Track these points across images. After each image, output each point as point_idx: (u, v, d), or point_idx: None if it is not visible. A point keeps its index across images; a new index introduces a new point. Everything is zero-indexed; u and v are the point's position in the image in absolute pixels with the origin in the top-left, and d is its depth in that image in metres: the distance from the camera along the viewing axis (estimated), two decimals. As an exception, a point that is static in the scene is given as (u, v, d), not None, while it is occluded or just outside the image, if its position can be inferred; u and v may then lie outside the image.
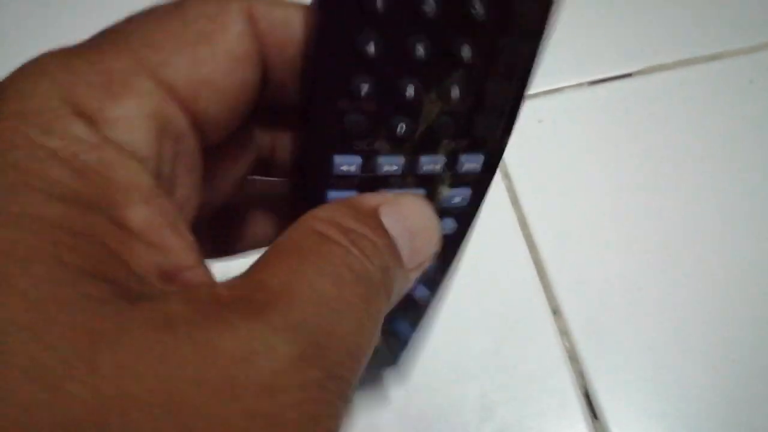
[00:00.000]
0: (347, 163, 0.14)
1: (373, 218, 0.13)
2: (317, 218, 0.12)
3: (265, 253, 0.12)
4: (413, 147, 0.14)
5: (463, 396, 0.26)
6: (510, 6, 0.13)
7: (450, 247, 0.16)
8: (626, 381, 0.27)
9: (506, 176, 0.31)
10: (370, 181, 0.14)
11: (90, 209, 0.10)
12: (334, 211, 0.13)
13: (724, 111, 0.33)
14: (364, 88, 0.13)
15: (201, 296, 0.10)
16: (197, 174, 0.14)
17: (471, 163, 0.15)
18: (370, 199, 0.13)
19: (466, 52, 0.13)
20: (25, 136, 0.10)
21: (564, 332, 0.28)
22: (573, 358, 0.27)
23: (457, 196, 0.16)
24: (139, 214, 0.11)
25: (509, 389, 0.27)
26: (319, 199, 0.14)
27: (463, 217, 0.16)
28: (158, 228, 0.11)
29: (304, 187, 0.14)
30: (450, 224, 0.16)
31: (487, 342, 0.27)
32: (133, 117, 0.12)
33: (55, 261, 0.10)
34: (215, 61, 0.12)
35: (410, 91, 0.13)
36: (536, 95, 0.33)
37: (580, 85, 0.33)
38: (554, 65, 0.34)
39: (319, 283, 0.11)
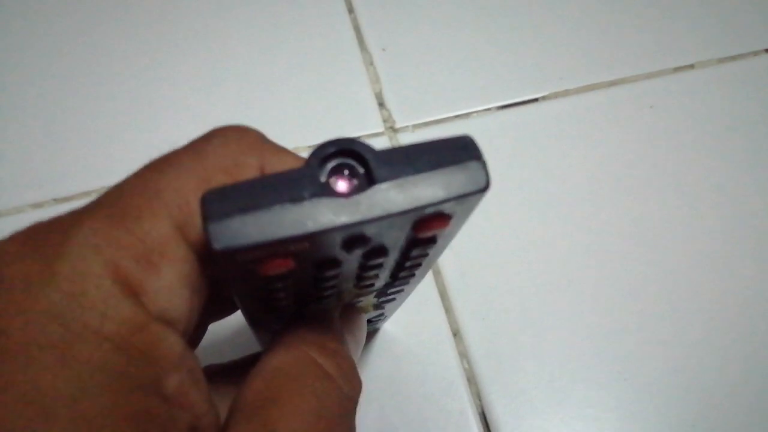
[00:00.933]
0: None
1: (343, 346, 0.16)
2: (308, 343, 0.15)
3: (267, 377, 0.15)
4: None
5: (361, 417, 0.27)
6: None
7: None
8: (522, 402, 0.28)
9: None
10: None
11: (137, 386, 0.12)
12: (319, 337, 0.16)
13: (625, 135, 0.34)
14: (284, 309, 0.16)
15: None
16: (205, 295, 0.15)
17: (392, 295, 0.20)
18: (336, 329, 0.17)
19: (378, 282, 0.17)
20: (83, 324, 0.11)
21: (463, 354, 0.28)
22: (471, 379, 0.28)
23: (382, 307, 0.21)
24: (174, 381, 0.12)
25: (407, 411, 0.27)
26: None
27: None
28: (188, 390, 0.13)
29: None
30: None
31: (387, 364, 0.28)
32: (172, 285, 0.13)
33: None
34: None
35: (326, 304, 0.17)
36: (446, 119, 0.34)
37: (488, 110, 0.34)
38: (463, 91, 0.35)
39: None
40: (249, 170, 0.14)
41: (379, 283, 0.18)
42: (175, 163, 0.14)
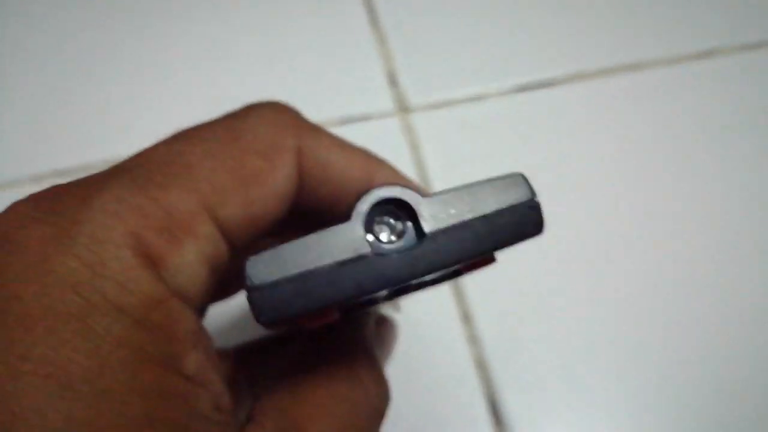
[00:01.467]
0: None
1: (374, 356, 0.16)
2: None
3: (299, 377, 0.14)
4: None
5: (367, 403, 0.26)
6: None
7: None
8: (532, 389, 0.27)
9: (426, 181, 0.31)
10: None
11: (157, 363, 0.11)
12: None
13: (643, 122, 0.33)
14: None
15: None
16: (220, 275, 0.15)
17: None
18: (368, 339, 0.17)
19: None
20: (102, 295, 0.11)
21: (473, 339, 0.28)
22: (480, 365, 0.27)
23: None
24: (193, 359, 0.12)
25: (415, 396, 0.26)
26: None
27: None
28: (206, 369, 0.12)
29: None
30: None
31: (396, 348, 0.27)
32: (193, 263, 0.12)
33: (129, 418, 0.11)
34: (264, 202, 0.13)
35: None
36: (461, 101, 0.33)
37: (504, 93, 0.33)
38: (479, 71, 0.34)
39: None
40: (286, 154, 0.14)
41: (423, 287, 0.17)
42: (209, 138, 0.13)
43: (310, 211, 0.16)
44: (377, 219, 0.12)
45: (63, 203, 0.12)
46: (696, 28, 0.36)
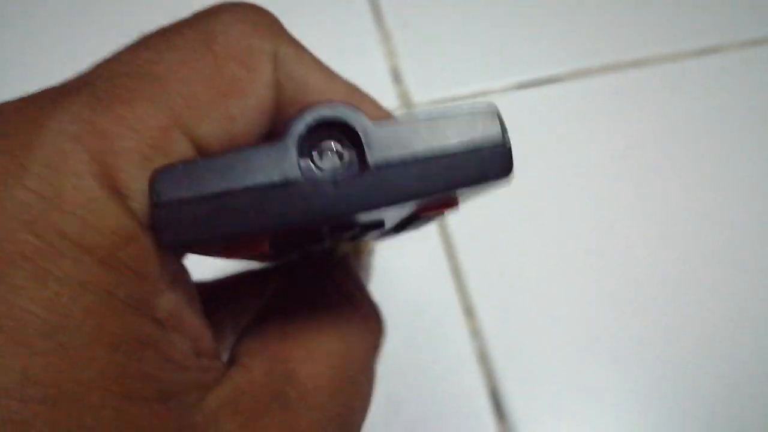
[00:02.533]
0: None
1: (363, 287, 0.15)
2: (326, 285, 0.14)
3: (284, 315, 0.13)
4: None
5: (371, 395, 0.27)
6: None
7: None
8: (534, 381, 0.27)
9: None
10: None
11: (125, 308, 0.10)
12: (336, 278, 0.15)
13: (648, 118, 0.33)
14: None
15: (243, 401, 0.11)
16: None
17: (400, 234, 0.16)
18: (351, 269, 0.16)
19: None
20: (59, 233, 0.09)
21: (476, 333, 0.28)
22: (482, 358, 0.27)
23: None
24: (168, 301, 0.11)
25: (418, 389, 0.27)
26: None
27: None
28: (182, 311, 0.11)
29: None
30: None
31: (398, 341, 0.28)
32: None
33: (93, 374, 0.09)
34: (245, 117, 0.12)
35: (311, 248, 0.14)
36: (464, 97, 0.33)
37: (507, 89, 0.34)
38: (482, 68, 0.34)
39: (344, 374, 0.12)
40: (265, 59, 0.12)
41: (382, 234, 0.16)
42: (178, 43, 0.11)
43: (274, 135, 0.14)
44: (318, 142, 0.10)
45: (10, 124, 0.10)
46: (699, 24, 0.36)
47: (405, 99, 0.33)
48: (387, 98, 0.33)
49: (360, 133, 0.10)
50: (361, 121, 0.10)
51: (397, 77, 0.34)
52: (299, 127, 0.10)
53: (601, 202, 0.31)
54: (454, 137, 0.10)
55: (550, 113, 0.33)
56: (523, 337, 0.28)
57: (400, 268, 0.29)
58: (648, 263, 0.30)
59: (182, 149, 0.11)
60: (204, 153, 0.11)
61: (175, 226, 0.10)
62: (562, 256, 0.30)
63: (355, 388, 0.13)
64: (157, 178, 0.10)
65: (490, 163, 0.10)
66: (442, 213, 0.12)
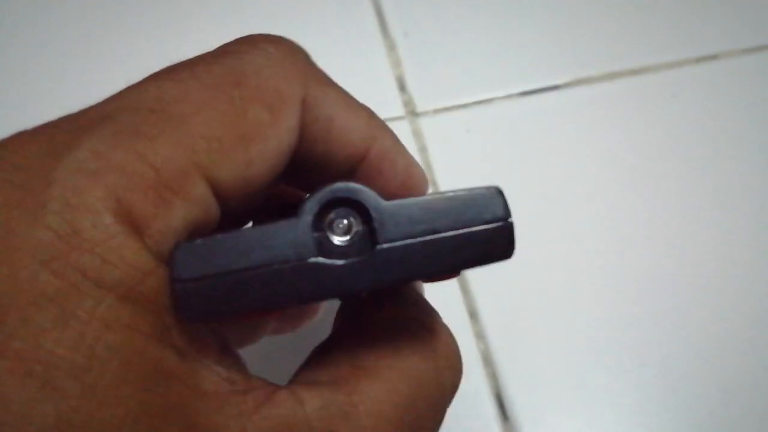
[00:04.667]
0: None
1: (443, 324, 0.14)
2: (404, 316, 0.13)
3: (361, 342, 0.12)
4: None
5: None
6: None
7: None
8: (538, 384, 0.28)
9: (433, 183, 0.32)
10: None
11: (147, 339, 0.10)
12: (412, 310, 0.14)
13: (647, 126, 0.34)
14: None
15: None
16: None
17: None
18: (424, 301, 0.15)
19: None
20: (80, 272, 0.09)
21: (479, 335, 0.28)
22: (487, 361, 0.28)
23: None
24: (187, 329, 0.11)
25: (423, 390, 0.27)
26: None
27: None
28: (201, 334, 0.11)
29: None
30: None
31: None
32: (180, 227, 0.11)
33: (124, 413, 0.09)
34: (264, 161, 0.11)
35: None
36: (468, 105, 0.34)
37: (510, 96, 0.34)
38: (486, 76, 0.35)
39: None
40: (292, 105, 0.12)
41: None
42: (207, 81, 0.11)
43: (297, 168, 0.13)
44: (333, 217, 0.11)
45: (30, 158, 0.10)
46: (699, 31, 0.36)
47: (410, 107, 0.34)
48: (392, 107, 0.34)
49: (371, 212, 0.10)
50: (374, 199, 0.10)
51: (402, 86, 0.35)
52: (314, 205, 0.10)
53: (602, 207, 0.31)
54: (461, 218, 0.10)
55: (552, 120, 0.34)
56: (528, 340, 0.28)
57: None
58: (651, 267, 0.30)
59: (200, 192, 0.11)
60: (220, 195, 0.11)
61: (195, 301, 0.10)
62: (565, 260, 0.30)
63: None
64: (176, 254, 0.10)
65: (494, 244, 0.11)
66: (444, 279, 0.12)
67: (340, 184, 0.10)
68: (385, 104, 0.34)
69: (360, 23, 0.37)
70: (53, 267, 0.09)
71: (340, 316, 0.15)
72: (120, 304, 0.10)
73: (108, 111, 0.11)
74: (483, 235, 0.11)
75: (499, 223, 0.11)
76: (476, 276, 0.30)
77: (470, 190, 0.11)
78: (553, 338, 0.28)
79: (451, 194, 0.11)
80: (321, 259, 0.10)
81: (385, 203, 0.10)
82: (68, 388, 0.09)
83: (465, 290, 0.29)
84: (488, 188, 0.11)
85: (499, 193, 0.11)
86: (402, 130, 0.33)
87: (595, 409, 0.27)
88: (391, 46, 0.36)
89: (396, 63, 0.35)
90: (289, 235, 0.10)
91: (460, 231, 0.10)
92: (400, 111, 0.34)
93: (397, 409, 0.11)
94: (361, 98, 0.36)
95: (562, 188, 0.32)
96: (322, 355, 0.13)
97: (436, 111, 0.34)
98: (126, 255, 0.10)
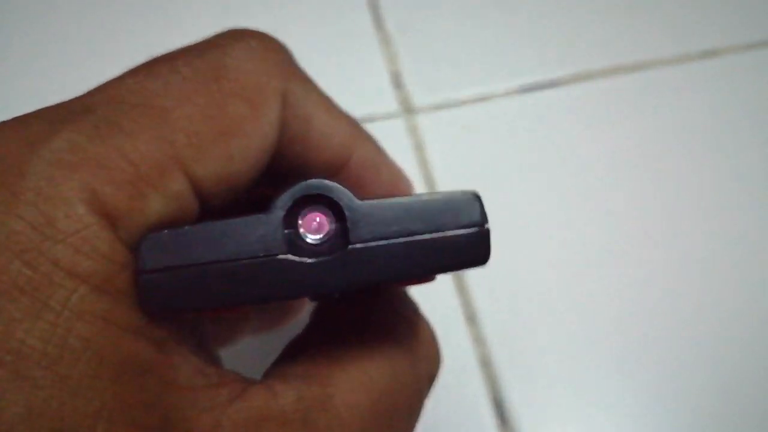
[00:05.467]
0: None
1: (420, 314, 0.14)
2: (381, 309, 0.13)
3: (331, 328, 0.12)
4: None
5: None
6: None
7: None
8: (538, 388, 0.27)
9: (430, 181, 0.31)
10: None
11: (122, 332, 0.10)
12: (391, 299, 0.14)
13: (649, 122, 0.33)
14: None
15: (266, 429, 0.10)
16: None
17: None
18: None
19: None
20: (53, 262, 0.09)
21: (478, 339, 0.28)
22: (485, 364, 0.27)
23: None
24: (163, 322, 0.11)
25: (420, 396, 0.27)
26: None
27: None
28: (180, 330, 0.11)
29: None
30: None
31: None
32: (156, 221, 0.11)
33: (97, 406, 0.09)
34: (244, 157, 0.12)
35: None
36: (465, 102, 0.33)
37: (509, 93, 0.34)
38: (484, 72, 0.34)
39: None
40: (272, 99, 0.12)
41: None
42: (186, 75, 0.11)
43: (276, 172, 0.13)
44: (305, 213, 0.10)
45: (5, 148, 0.10)
46: (701, 26, 0.36)
47: (406, 104, 0.33)
48: (388, 103, 0.33)
49: (345, 211, 0.10)
50: (347, 198, 0.10)
51: (397, 82, 0.34)
52: (286, 201, 0.10)
53: (603, 206, 0.31)
54: (436, 221, 0.10)
55: (552, 117, 0.33)
56: (527, 344, 0.28)
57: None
58: (652, 268, 0.29)
59: (178, 187, 0.11)
60: (199, 191, 0.11)
61: (157, 294, 0.10)
62: (564, 262, 0.29)
63: (392, 425, 0.12)
64: (143, 245, 0.10)
65: (469, 250, 0.10)
66: (419, 284, 0.12)
67: (313, 181, 0.10)
68: (379, 101, 0.33)
69: (354, 17, 0.36)
70: (25, 258, 0.09)
71: (316, 310, 0.15)
72: (94, 295, 0.10)
73: (88, 104, 0.11)
74: (458, 240, 0.10)
75: (476, 229, 0.10)
76: (474, 278, 0.29)
77: (447, 193, 0.11)
78: (553, 342, 0.28)
79: (427, 197, 0.10)
80: (290, 257, 0.10)
81: (359, 202, 0.10)
82: (39, 379, 0.09)
83: (463, 293, 0.29)
84: (465, 192, 0.11)
85: (477, 198, 0.11)
86: (397, 127, 0.33)
87: (594, 414, 0.27)
88: (386, 42, 0.35)
89: (391, 58, 0.35)
90: (259, 229, 0.10)
91: (435, 235, 0.10)
92: (395, 108, 0.33)
93: (373, 400, 0.11)
94: (355, 95, 0.35)
95: (561, 187, 0.31)
96: (296, 349, 0.13)
97: (433, 107, 0.33)
98: (99, 246, 0.10)
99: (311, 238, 0.10)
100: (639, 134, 0.33)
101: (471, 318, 0.28)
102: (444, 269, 0.10)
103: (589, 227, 0.30)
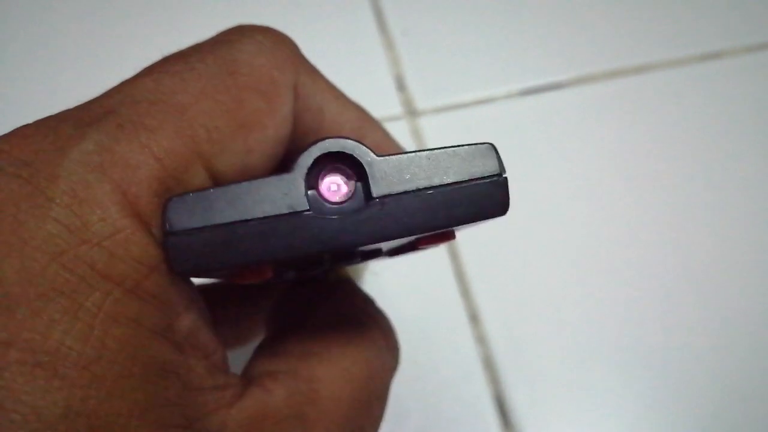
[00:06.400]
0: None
1: (381, 312, 0.15)
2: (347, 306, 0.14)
3: (312, 328, 0.13)
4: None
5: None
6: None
7: None
8: (540, 388, 0.27)
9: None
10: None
11: (150, 334, 0.10)
12: (357, 299, 0.14)
13: (650, 124, 0.33)
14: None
15: (265, 425, 0.11)
16: None
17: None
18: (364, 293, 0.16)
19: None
20: (88, 265, 0.10)
21: (481, 339, 0.28)
22: (488, 365, 0.27)
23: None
24: (186, 323, 0.11)
25: (423, 396, 0.27)
26: None
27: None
28: (198, 330, 0.11)
29: None
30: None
31: (403, 348, 0.28)
32: None
33: (130, 405, 0.10)
34: (262, 149, 0.12)
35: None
36: (468, 104, 0.33)
37: (511, 95, 0.34)
38: (486, 75, 0.34)
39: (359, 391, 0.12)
40: (285, 92, 0.12)
41: (378, 258, 0.16)
42: (201, 71, 0.11)
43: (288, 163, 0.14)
44: (326, 174, 0.10)
45: (36, 151, 0.10)
46: (702, 29, 0.36)
47: (409, 106, 0.34)
48: (391, 106, 0.34)
49: (365, 166, 0.10)
50: (366, 154, 0.10)
51: (401, 85, 0.34)
52: (307, 160, 0.10)
53: (604, 207, 0.31)
54: (454, 172, 0.10)
55: (554, 119, 0.33)
56: (529, 344, 0.28)
57: (404, 274, 0.29)
58: (653, 269, 0.30)
59: (199, 181, 0.11)
60: (218, 183, 0.11)
61: (186, 254, 0.10)
62: (567, 262, 0.30)
63: (370, 410, 0.13)
64: (169, 207, 0.10)
65: (489, 199, 0.10)
66: (438, 245, 0.12)
67: (332, 140, 0.10)
68: (383, 103, 0.34)
69: (357, 21, 0.36)
70: (63, 260, 0.09)
71: (275, 314, 0.15)
72: (126, 299, 0.10)
73: (109, 104, 0.11)
74: (477, 190, 0.11)
75: (494, 178, 0.11)
76: (477, 278, 0.29)
77: (463, 145, 0.11)
78: (555, 342, 0.28)
79: (444, 150, 0.11)
80: (314, 213, 0.10)
81: (378, 158, 0.10)
82: (77, 379, 0.09)
83: (465, 293, 0.29)
84: (482, 144, 0.11)
85: (493, 148, 0.11)
86: (401, 130, 0.33)
87: (597, 415, 0.27)
88: (389, 44, 0.35)
89: (394, 61, 0.35)
90: (282, 188, 0.10)
91: (455, 185, 0.10)
92: (398, 110, 0.33)
93: (353, 391, 0.12)
94: (359, 98, 0.35)
95: (563, 188, 0.31)
96: (271, 348, 0.13)
97: (436, 110, 0.33)
98: (132, 250, 0.10)
99: (332, 196, 0.10)
100: (641, 137, 0.33)
101: (474, 318, 0.28)
102: (465, 220, 0.10)
103: (591, 228, 0.30)
